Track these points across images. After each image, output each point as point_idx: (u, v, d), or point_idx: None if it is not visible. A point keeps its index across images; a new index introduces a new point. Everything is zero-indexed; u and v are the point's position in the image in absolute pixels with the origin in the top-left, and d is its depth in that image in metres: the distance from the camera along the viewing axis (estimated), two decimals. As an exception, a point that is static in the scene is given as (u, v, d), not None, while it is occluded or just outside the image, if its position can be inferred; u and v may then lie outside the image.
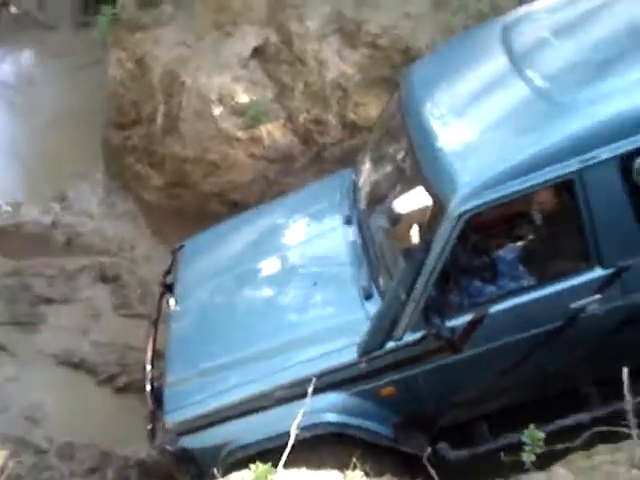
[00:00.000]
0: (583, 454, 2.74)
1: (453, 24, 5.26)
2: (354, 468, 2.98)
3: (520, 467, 2.79)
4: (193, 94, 5.64)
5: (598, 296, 3.72)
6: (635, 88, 3.54)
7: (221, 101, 5.62)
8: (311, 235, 4.56)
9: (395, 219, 3.61)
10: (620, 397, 3.80)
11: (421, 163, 3.85)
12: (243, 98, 5.61)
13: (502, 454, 3.19)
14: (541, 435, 2.73)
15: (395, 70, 5.39)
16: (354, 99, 5.55)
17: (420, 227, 3.62)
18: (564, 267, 3.81)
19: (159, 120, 5.96)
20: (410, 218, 3.59)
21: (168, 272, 4.94)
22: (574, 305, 3.74)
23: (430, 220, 3.62)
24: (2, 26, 8.10)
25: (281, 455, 3.76)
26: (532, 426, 2.79)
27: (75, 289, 6.09)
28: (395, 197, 3.79)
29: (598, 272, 3.69)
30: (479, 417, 4.14)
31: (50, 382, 5.66)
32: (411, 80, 4.28)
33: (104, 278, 6.13)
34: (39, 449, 5.25)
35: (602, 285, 3.71)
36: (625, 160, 3.52)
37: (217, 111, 5.60)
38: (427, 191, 3.63)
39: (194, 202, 6.05)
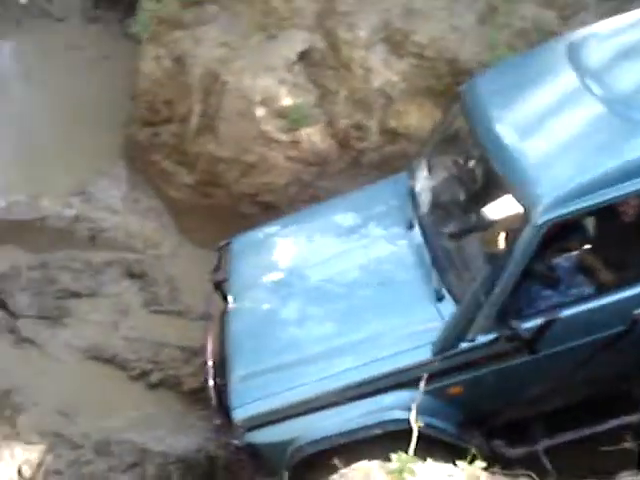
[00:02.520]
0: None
1: (496, 39, 5.42)
2: (471, 462, 3.09)
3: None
4: (235, 94, 5.66)
5: (660, 303, 3.96)
6: None
7: (264, 103, 5.64)
8: (373, 237, 4.67)
9: (483, 226, 3.78)
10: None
11: (502, 173, 4.02)
12: (286, 101, 5.65)
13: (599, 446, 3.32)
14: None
15: (440, 80, 5.53)
16: (397, 107, 5.64)
17: (505, 234, 3.80)
18: (630, 276, 4.04)
19: (194, 119, 5.96)
20: (496, 225, 3.77)
21: (216, 269, 4.99)
22: (637, 311, 3.97)
23: (514, 228, 3.80)
24: (10, 16, 7.98)
25: (348, 451, 3.90)
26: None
27: (102, 284, 6.04)
28: (473, 205, 3.96)
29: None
30: (530, 417, 4.34)
31: (81, 377, 5.62)
32: (478, 92, 4.43)
33: (130, 274, 6.11)
34: (75, 445, 5.20)
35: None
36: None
37: (260, 113, 5.62)
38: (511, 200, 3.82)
39: (225, 201, 6.06)
